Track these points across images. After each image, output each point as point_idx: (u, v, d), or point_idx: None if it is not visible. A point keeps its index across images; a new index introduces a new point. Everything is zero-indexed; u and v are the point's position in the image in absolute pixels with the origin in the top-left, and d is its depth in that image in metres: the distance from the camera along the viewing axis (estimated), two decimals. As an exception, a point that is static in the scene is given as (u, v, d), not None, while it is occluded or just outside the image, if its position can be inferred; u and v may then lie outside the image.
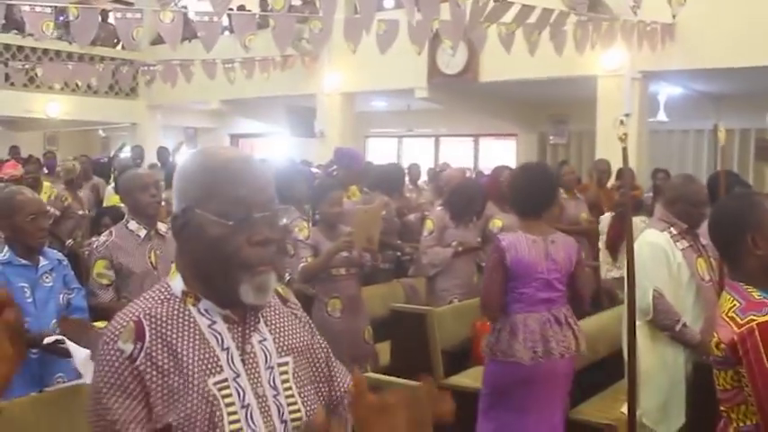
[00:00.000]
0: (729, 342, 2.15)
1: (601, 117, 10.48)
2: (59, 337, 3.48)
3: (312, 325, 1.77)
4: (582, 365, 4.47)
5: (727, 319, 2.21)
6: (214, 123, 18.53)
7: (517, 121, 14.69)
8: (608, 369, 4.55)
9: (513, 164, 13.77)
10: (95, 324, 4.13)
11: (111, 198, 7.42)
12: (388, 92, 13.32)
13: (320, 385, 1.72)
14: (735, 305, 2.22)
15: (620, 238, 5.88)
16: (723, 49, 9.26)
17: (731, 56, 9.29)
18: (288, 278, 4.96)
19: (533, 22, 7.51)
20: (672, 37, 9.63)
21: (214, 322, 1.54)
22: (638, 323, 3.80)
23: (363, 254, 4.83)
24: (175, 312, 1.53)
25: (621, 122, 9.88)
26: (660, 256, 3.84)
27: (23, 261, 3.60)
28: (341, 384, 1.77)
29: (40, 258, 3.67)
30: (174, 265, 1.65)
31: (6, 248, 3.59)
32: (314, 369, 1.69)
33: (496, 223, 5.92)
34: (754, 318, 2.14)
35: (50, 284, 3.68)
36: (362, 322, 4.95)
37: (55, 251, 3.98)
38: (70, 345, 3.43)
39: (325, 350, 1.76)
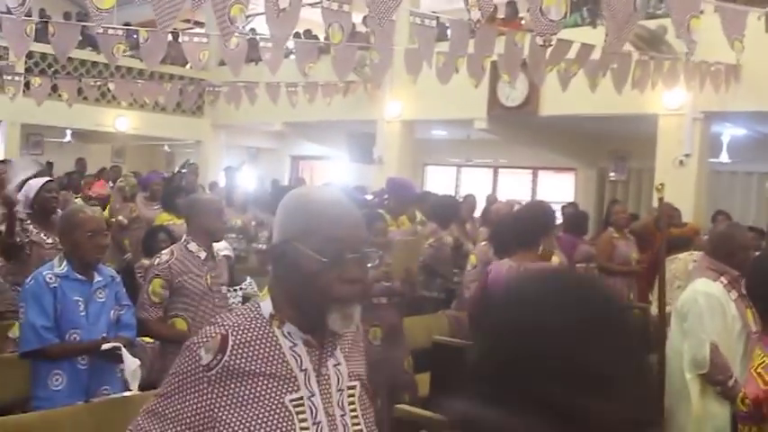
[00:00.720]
0: (754, 399, 2.13)
1: (660, 156, 10.39)
2: (117, 344, 3.63)
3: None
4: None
5: (755, 375, 2.20)
6: (276, 144, 18.84)
7: (576, 156, 14.61)
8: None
9: (571, 198, 13.79)
10: (143, 339, 4.29)
11: (161, 216, 7.56)
12: (448, 121, 13.40)
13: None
14: (765, 362, 2.22)
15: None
16: (789, 92, 9.13)
17: (797, 99, 9.15)
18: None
19: (596, 59, 7.52)
20: (736, 78, 9.51)
21: (295, 344, 1.70)
22: (688, 376, 3.76)
23: (403, 283, 4.90)
24: (262, 332, 1.69)
25: (681, 162, 9.85)
26: (716, 307, 3.71)
27: (79, 276, 3.74)
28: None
29: (95, 274, 3.81)
30: (266, 288, 1.80)
31: (65, 263, 3.75)
32: (370, 396, 1.84)
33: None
34: None
35: (103, 300, 3.82)
36: (403, 352, 5.01)
37: (109, 268, 4.13)
38: (125, 353, 3.59)
39: (369, 387, 1.89)
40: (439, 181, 16.28)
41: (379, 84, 12.22)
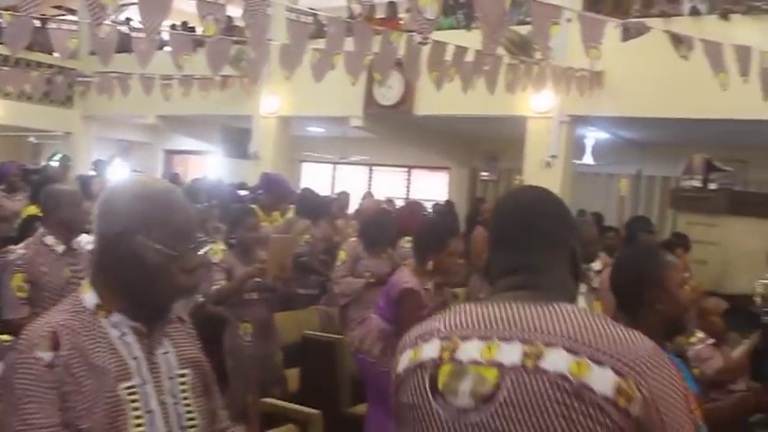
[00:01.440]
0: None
1: (528, 157, 10.77)
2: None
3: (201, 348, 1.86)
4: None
5: None
6: (149, 138, 18.35)
7: (450, 156, 14.95)
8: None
9: (444, 197, 14.08)
10: (1, 337, 4.10)
11: (29, 209, 7.25)
12: (324, 119, 13.45)
13: (209, 402, 1.84)
14: None
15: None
16: (648, 99, 9.61)
17: (655, 106, 9.65)
18: (201, 300, 4.99)
19: (470, 61, 7.70)
20: (600, 84, 9.96)
21: (124, 334, 1.67)
22: None
23: (276, 280, 4.90)
24: (87, 324, 1.65)
25: (548, 163, 10.24)
26: None
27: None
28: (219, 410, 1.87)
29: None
30: (86, 280, 1.75)
31: None
32: (203, 385, 1.81)
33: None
34: None
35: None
36: (273, 347, 5.02)
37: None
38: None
39: (211, 374, 1.87)
40: (315, 178, 16.28)
41: (255, 79, 12.11)
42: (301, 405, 3.48)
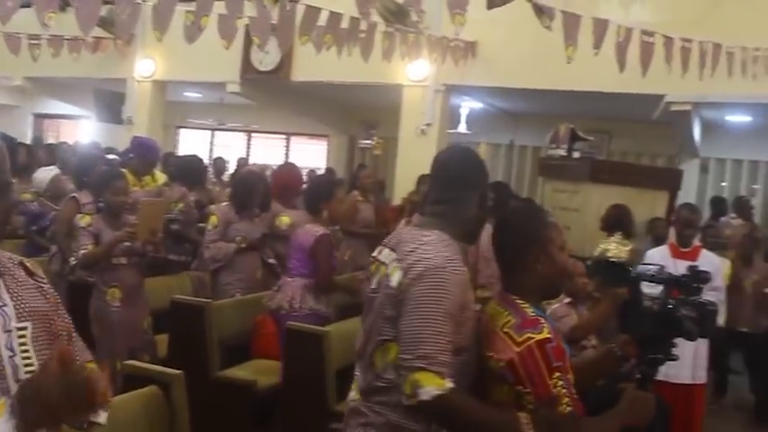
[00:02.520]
0: (509, 361, 2.14)
1: (404, 125, 10.92)
2: None
3: (58, 301, 1.85)
4: (352, 361, 4.71)
5: (503, 335, 2.18)
6: (16, 101, 17.51)
7: (329, 123, 14.98)
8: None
9: (323, 164, 14.12)
10: None
11: None
12: (201, 84, 13.20)
13: None
14: (510, 321, 2.19)
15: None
16: (519, 71, 9.89)
17: (526, 77, 9.94)
18: (72, 264, 4.90)
19: (345, 28, 7.71)
20: (474, 54, 10.17)
21: None
22: None
23: (146, 245, 4.85)
24: None
25: (423, 131, 10.41)
26: None
27: None
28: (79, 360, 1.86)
29: None
30: None
31: None
32: (53, 338, 1.77)
33: (284, 220, 6.06)
34: (531, 336, 2.13)
35: None
36: (141, 312, 4.98)
37: None
38: None
39: (68, 326, 1.85)
40: (192, 144, 15.99)
41: (128, 41, 11.75)
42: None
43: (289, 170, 6.84)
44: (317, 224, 5.01)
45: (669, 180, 7.61)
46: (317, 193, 5.19)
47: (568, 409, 2.11)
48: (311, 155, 15.64)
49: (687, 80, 7.91)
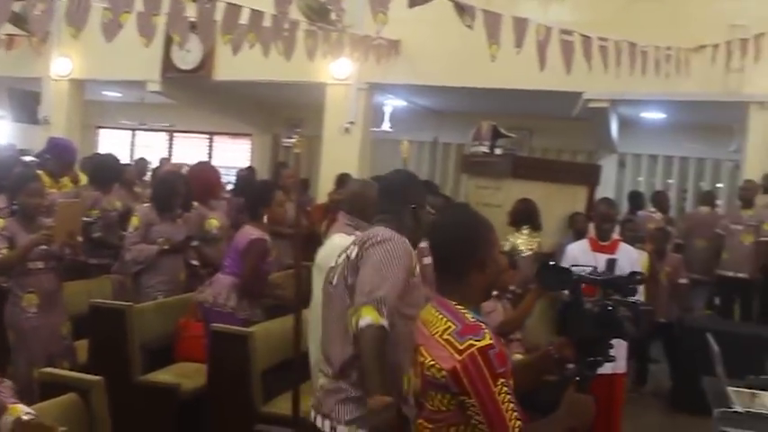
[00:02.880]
0: (452, 370, 2.08)
1: (328, 123, 10.92)
2: None
3: None
4: (277, 362, 4.69)
5: (444, 343, 2.13)
6: (-75, 100, 16.86)
7: (252, 122, 14.85)
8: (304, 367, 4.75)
9: (247, 163, 13.98)
10: None
11: None
12: (121, 83, 12.93)
13: None
14: (450, 327, 2.14)
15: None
16: (442, 69, 10.00)
17: (449, 75, 10.06)
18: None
19: (268, 26, 7.64)
20: (397, 52, 10.23)
21: None
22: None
23: (63, 247, 4.72)
24: None
25: (347, 130, 10.42)
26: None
27: None
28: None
29: None
30: None
31: None
32: None
33: (213, 223, 5.99)
34: (473, 342, 2.07)
35: None
36: (60, 318, 4.85)
37: None
38: None
39: None
40: (112, 144, 15.63)
41: (43, 38, 11.41)
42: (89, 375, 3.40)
43: (206, 170, 6.75)
44: (258, 228, 5.18)
45: (588, 175, 7.76)
46: (257, 199, 5.33)
47: (518, 423, 2.07)
48: (234, 154, 15.48)
49: (604, 78, 8.12)
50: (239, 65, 9.31)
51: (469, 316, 2.17)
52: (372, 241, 2.87)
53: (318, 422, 2.91)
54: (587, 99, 9.63)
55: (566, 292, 2.47)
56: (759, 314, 8.78)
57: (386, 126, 12.29)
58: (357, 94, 10.80)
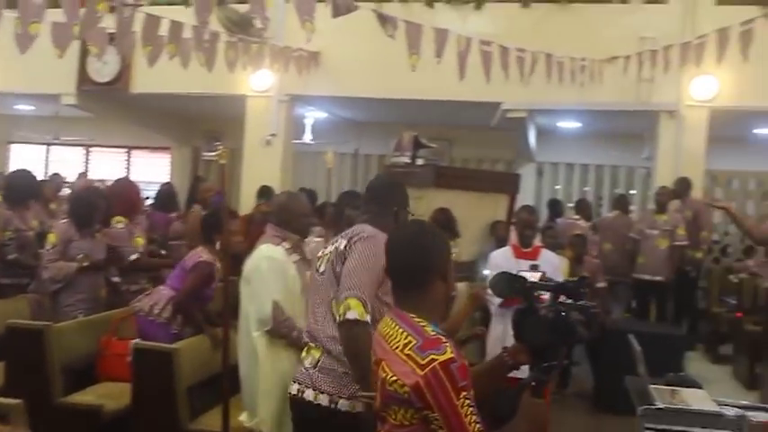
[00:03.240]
0: (414, 385, 2.07)
1: (249, 136, 10.86)
2: None
3: None
4: (204, 377, 4.63)
5: (405, 358, 2.12)
6: None
7: (171, 135, 14.62)
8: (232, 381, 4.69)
9: (166, 178, 13.75)
10: None
11: None
12: (34, 96, 12.57)
13: None
14: (411, 342, 2.13)
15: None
16: (363, 80, 10.07)
17: (369, 86, 10.13)
18: None
19: (188, 38, 7.54)
20: (317, 64, 10.23)
21: None
22: (255, 334, 4.03)
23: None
24: None
25: (268, 142, 10.36)
26: (278, 269, 4.06)
27: None
28: None
29: None
30: None
31: None
32: None
33: (139, 242, 5.89)
34: (435, 357, 2.07)
35: None
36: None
37: None
38: None
39: None
40: (26, 160, 15.17)
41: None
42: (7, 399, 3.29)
43: (127, 186, 6.62)
44: (210, 252, 5.29)
45: (508, 184, 7.90)
46: (212, 225, 5.37)
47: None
48: (153, 168, 15.20)
49: (522, 89, 8.30)
50: (157, 77, 9.18)
51: (429, 329, 2.16)
52: (359, 237, 3.21)
53: (310, 396, 3.23)
54: (506, 109, 9.82)
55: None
56: (674, 315, 9.09)
57: (307, 138, 12.28)
58: (278, 106, 10.76)
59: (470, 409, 2.07)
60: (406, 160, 7.61)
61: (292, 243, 4.20)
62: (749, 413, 3.54)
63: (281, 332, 4.02)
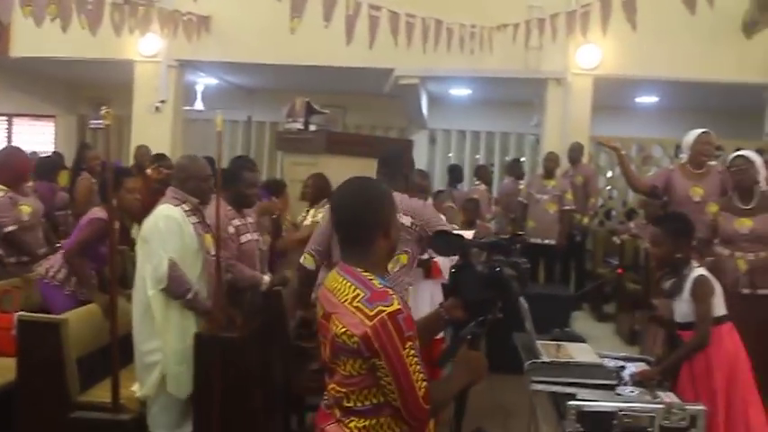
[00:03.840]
0: (363, 335, 2.12)
1: (137, 102, 10.60)
2: None
3: None
4: (95, 348, 4.53)
5: (354, 310, 2.17)
6: None
7: (55, 102, 14.10)
8: (126, 351, 4.61)
9: (51, 147, 13.26)
10: None
11: None
12: None
13: None
14: (359, 294, 2.19)
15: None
16: (254, 46, 9.94)
17: (261, 52, 10.01)
18: None
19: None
20: (207, 29, 10.03)
21: None
22: (151, 293, 4.05)
23: None
24: None
25: (157, 109, 10.11)
26: (175, 228, 4.11)
27: None
28: None
29: None
30: None
31: None
32: None
33: (25, 209, 5.66)
34: (383, 308, 2.13)
35: None
36: None
37: None
38: None
39: None
40: None
41: None
42: None
43: (15, 154, 6.35)
44: (106, 211, 5.00)
45: (401, 150, 7.99)
46: (108, 184, 5.14)
47: (424, 383, 2.17)
48: (37, 137, 14.60)
49: (413, 55, 8.36)
50: (39, 41, 8.84)
51: (377, 282, 2.21)
52: None
53: None
54: (398, 76, 9.87)
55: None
56: (561, 276, 9.42)
57: (198, 105, 12.05)
58: (167, 72, 10.52)
59: (415, 358, 2.15)
60: (299, 126, 7.59)
61: (192, 206, 4.26)
62: (627, 363, 3.77)
63: (176, 292, 4.06)
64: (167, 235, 4.08)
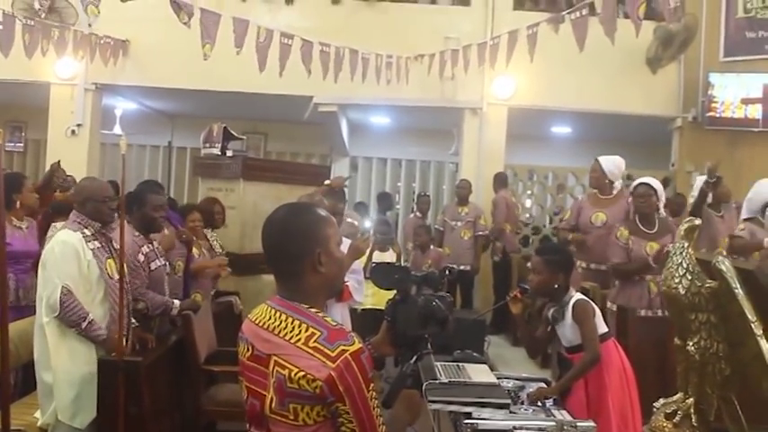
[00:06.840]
0: (327, 378, 1.93)
1: (53, 125, 10.41)
2: None
3: None
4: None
5: (311, 351, 1.97)
6: None
7: (-33, 124, 13.73)
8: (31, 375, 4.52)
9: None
10: None
11: None
12: None
13: None
14: (315, 333, 1.99)
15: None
16: (173, 70, 9.88)
17: (179, 77, 9.96)
18: None
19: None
20: (125, 53, 9.96)
21: None
22: (45, 320, 3.98)
23: None
24: None
25: (73, 132, 9.95)
26: (70, 254, 4.02)
27: None
28: None
29: None
30: None
31: None
32: None
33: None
34: (345, 348, 1.95)
35: None
36: None
37: None
38: None
39: None
40: None
41: None
42: None
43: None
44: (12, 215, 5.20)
45: (318, 176, 8.01)
46: (7, 187, 5.01)
47: (383, 428, 2.04)
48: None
49: (332, 84, 8.47)
50: (-51, 62, 8.61)
51: (329, 320, 2.04)
52: None
53: None
54: (317, 103, 9.96)
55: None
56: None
57: (117, 129, 11.90)
58: (84, 95, 10.37)
59: (376, 401, 2.02)
60: (216, 152, 7.59)
61: (93, 230, 4.18)
62: (527, 384, 3.91)
63: (70, 320, 3.98)
64: (62, 261, 4.00)
